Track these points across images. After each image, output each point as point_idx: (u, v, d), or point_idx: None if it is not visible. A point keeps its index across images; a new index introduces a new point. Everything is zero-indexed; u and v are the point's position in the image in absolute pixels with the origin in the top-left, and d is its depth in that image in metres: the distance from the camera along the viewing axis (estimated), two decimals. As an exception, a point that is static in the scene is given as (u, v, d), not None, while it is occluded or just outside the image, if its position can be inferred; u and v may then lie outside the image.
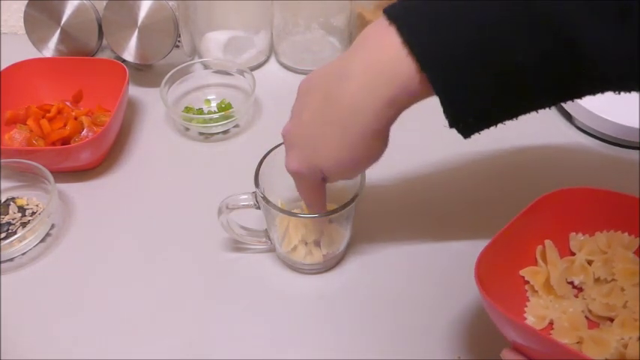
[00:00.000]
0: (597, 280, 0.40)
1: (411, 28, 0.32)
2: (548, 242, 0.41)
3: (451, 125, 0.33)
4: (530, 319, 0.39)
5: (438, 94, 0.32)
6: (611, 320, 0.38)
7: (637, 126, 0.55)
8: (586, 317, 0.39)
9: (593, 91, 0.33)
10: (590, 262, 0.41)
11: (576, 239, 0.42)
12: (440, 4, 0.33)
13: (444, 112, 0.33)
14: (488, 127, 0.35)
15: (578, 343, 0.37)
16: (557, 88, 0.33)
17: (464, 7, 0.32)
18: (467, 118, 0.33)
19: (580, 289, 0.41)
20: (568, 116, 0.61)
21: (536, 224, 0.40)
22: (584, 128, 0.59)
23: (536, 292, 0.40)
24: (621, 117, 0.56)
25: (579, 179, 0.45)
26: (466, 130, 0.34)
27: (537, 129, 0.60)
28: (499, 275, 0.38)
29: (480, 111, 0.33)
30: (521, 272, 0.40)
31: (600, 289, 0.40)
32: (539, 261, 0.41)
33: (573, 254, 0.42)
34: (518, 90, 0.33)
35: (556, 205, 0.40)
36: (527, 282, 0.41)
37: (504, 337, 0.34)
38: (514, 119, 0.35)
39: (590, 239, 0.42)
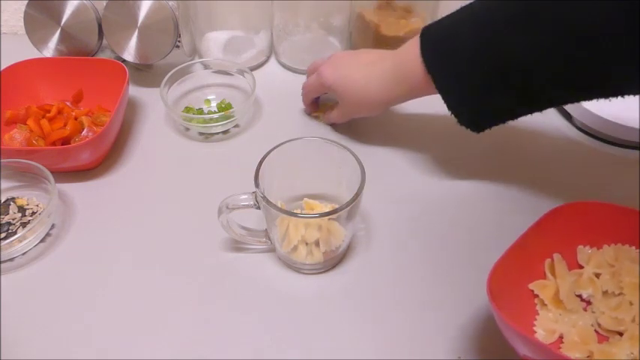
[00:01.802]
0: (605, 293, 0.40)
1: (426, 37, 0.44)
2: (556, 256, 0.41)
3: (453, 115, 0.45)
4: (540, 333, 0.39)
5: (439, 91, 0.44)
6: (621, 334, 0.38)
7: (637, 126, 0.55)
8: (595, 331, 0.39)
9: (603, 93, 0.37)
10: (597, 275, 0.41)
11: (584, 252, 0.42)
12: (457, 13, 0.43)
13: (446, 105, 0.45)
14: (490, 120, 0.45)
15: (588, 357, 0.37)
16: (557, 86, 0.36)
17: (472, 13, 0.41)
18: (462, 111, 0.44)
19: (589, 302, 0.41)
20: (568, 116, 0.61)
21: (544, 238, 0.40)
22: (584, 128, 0.59)
23: (545, 305, 0.40)
24: (621, 117, 0.56)
25: (579, 179, 0.46)
26: (472, 124, 0.45)
27: (537, 129, 0.60)
28: (509, 288, 0.38)
29: (473, 106, 0.44)
30: (530, 286, 0.40)
31: (609, 303, 0.39)
32: (548, 274, 0.41)
33: (581, 267, 0.42)
34: (514, 86, 0.40)
35: (564, 219, 0.40)
36: (537, 295, 0.40)
37: (515, 352, 0.34)
38: (513, 119, 0.43)
39: (597, 252, 0.42)
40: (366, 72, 0.49)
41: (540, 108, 0.41)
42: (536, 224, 0.39)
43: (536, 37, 0.36)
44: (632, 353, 0.36)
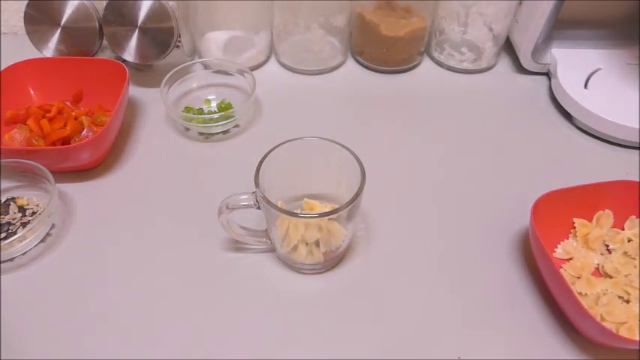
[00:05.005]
0: (625, 253, 0.46)
1: None
2: (608, 210, 0.47)
3: None
4: (559, 252, 0.46)
5: None
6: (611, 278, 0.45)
7: (637, 126, 0.55)
8: (597, 269, 0.46)
9: None
10: (629, 241, 0.47)
11: (633, 221, 0.47)
12: None
13: None
14: None
15: (578, 277, 0.44)
16: None
17: None
18: None
19: (609, 252, 0.47)
20: (568, 116, 0.61)
21: (608, 196, 0.47)
22: (584, 128, 0.59)
23: (576, 237, 0.47)
24: (621, 117, 0.56)
25: (579, 179, 0.46)
26: None
27: (537, 129, 0.60)
28: (555, 212, 0.45)
29: None
30: (575, 219, 0.47)
31: (620, 259, 0.45)
32: (594, 221, 0.47)
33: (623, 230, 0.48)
34: None
35: (629, 191, 0.46)
36: (575, 228, 0.47)
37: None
38: None
39: None
40: None
41: None
42: (606, 183, 0.45)
43: None
44: (606, 289, 0.43)
